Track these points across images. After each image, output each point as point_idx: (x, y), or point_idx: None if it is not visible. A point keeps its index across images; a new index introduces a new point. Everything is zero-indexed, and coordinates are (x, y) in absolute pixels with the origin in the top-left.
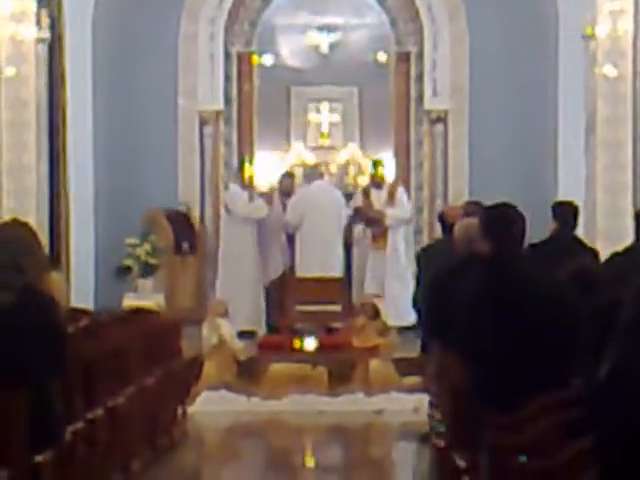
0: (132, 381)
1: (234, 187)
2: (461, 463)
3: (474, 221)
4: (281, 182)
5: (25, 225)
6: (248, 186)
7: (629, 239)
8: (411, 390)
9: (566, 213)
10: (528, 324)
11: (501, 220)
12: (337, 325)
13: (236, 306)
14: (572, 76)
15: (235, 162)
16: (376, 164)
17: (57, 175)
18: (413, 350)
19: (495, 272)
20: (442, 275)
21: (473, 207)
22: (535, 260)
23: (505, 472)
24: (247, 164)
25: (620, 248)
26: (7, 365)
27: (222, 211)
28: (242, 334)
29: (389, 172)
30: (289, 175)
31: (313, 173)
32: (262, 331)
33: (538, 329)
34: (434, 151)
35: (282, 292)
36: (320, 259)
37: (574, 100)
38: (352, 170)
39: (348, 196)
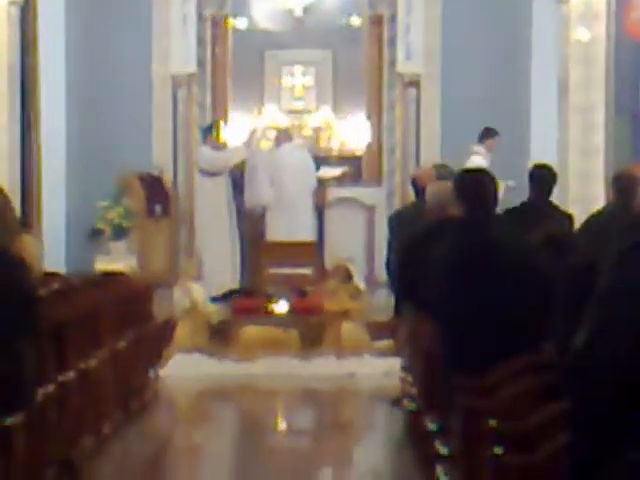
0: (104, 344)
1: (204, 149)
2: (432, 426)
3: (446, 184)
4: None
5: None
6: (220, 146)
7: (601, 202)
8: (383, 354)
9: (542, 177)
10: (499, 288)
11: (474, 184)
12: (309, 288)
13: (213, 267)
14: (545, 39)
15: (210, 127)
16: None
17: (29, 138)
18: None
19: (467, 236)
20: (414, 239)
21: (445, 170)
22: (509, 224)
23: (476, 435)
24: (216, 126)
25: (593, 211)
26: None
27: (198, 176)
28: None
29: (362, 135)
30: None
31: (283, 136)
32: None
33: (509, 293)
34: (407, 115)
35: (255, 255)
36: (290, 223)
37: (547, 63)
38: (324, 134)
39: (321, 159)
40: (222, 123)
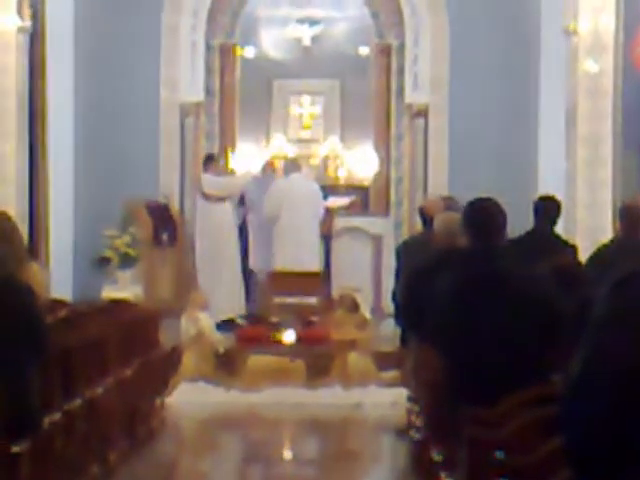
0: (110, 372)
1: (206, 175)
2: (438, 457)
3: (454, 215)
4: (264, 170)
5: (5, 215)
6: (222, 174)
7: (608, 234)
8: (389, 384)
9: (547, 209)
10: (506, 319)
11: (481, 214)
12: (315, 318)
13: (216, 294)
14: (553, 71)
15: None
16: None
17: (37, 165)
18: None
19: (473, 267)
20: (421, 269)
21: (452, 201)
22: (515, 255)
23: (482, 467)
24: (224, 155)
25: (600, 243)
26: None
27: (198, 201)
28: (223, 324)
29: (370, 165)
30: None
31: (291, 166)
32: (241, 320)
33: (516, 324)
34: (414, 145)
35: (261, 283)
36: (297, 253)
37: (555, 95)
38: (332, 163)
39: (328, 188)
40: (229, 152)
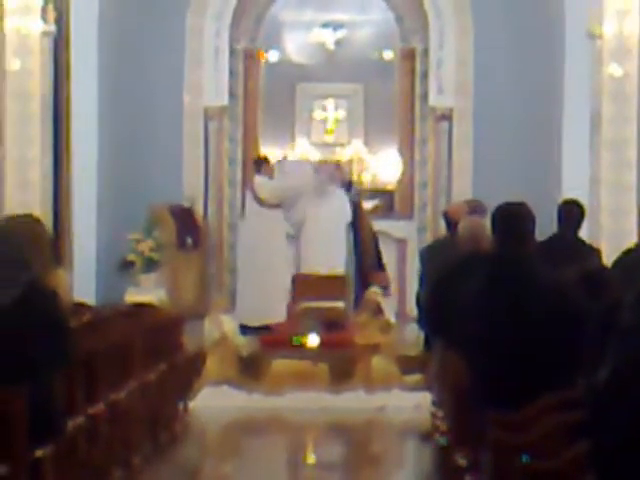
0: (134, 376)
1: (261, 179)
2: (463, 462)
3: (479, 219)
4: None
5: (33, 218)
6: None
7: (633, 238)
8: (413, 388)
9: (572, 213)
10: (531, 323)
11: (508, 218)
12: (340, 321)
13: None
14: (577, 74)
15: (241, 159)
16: None
17: (61, 169)
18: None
19: (499, 271)
20: (446, 273)
21: (477, 205)
22: (540, 260)
23: (507, 472)
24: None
25: (625, 247)
26: (10, 360)
27: (250, 205)
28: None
29: (394, 169)
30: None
31: (312, 168)
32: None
33: (541, 328)
34: (438, 149)
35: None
36: (323, 256)
37: (579, 98)
38: (356, 167)
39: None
40: (268, 157)
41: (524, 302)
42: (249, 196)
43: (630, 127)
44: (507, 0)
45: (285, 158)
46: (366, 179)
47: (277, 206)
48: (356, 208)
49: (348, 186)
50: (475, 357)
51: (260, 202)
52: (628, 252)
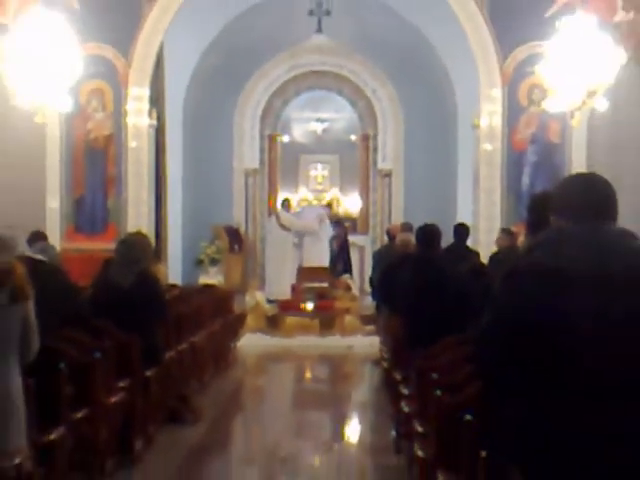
0: (204, 327)
1: (283, 212)
2: (398, 377)
3: (408, 234)
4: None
5: (145, 235)
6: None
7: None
8: (369, 334)
9: (462, 231)
10: (441, 297)
11: (425, 233)
12: (325, 295)
13: (278, 282)
14: (465, 149)
15: (266, 199)
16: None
17: (160, 204)
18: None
19: (421, 266)
20: (388, 266)
21: (407, 225)
22: (444, 259)
23: (426, 384)
24: (287, 200)
25: (492, 252)
26: (138, 318)
27: (276, 225)
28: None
29: (357, 204)
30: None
31: (310, 207)
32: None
33: (447, 299)
34: (383, 193)
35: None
36: (315, 257)
37: (466, 163)
38: (333, 205)
39: (333, 219)
40: (282, 200)
41: (435, 284)
42: (273, 221)
43: (496, 181)
44: (423, 103)
45: (307, 204)
46: (341, 211)
47: (289, 229)
48: (342, 232)
49: (337, 220)
50: (406, 316)
51: (281, 226)
52: (494, 255)
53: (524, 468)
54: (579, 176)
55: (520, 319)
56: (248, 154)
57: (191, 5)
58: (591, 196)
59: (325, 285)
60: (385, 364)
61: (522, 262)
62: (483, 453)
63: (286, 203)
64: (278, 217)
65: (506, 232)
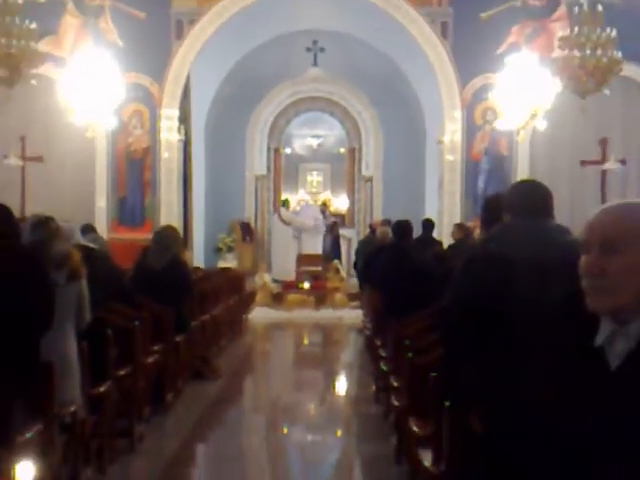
0: (222, 302)
1: (284, 210)
2: (378, 342)
3: (387, 228)
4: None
5: (173, 227)
6: (289, 210)
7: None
8: (354, 308)
9: (428, 225)
10: (411, 277)
11: (400, 227)
12: (319, 276)
13: (281, 266)
14: (432, 160)
15: (272, 200)
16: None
17: (187, 204)
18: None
19: (396, 252)
20: (370, 254)
21: (386, 221)
22: (416, 247)
23: (399, 347)
24: (286, 200)
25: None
26: (165, 294)
27: (278, 220)
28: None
29: (345, 204)
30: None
31: (307, 206)
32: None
33: (416, 279)
34: (366, 195)
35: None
36: (311, 246)
37: (432, 172)
38: (326, 205)
39: (326, 216)
40: (282, 200)
41: (407, 267)
42: (276, 217)
43: (456, 186)
44: (398, 123)
45: (306, 203)
46: (332, 209)
47: (288, 224)
48: (334, 227)
49: (330, 217)
50: (384, 293)
51: (282, 221)
52: (452, 245)
53: (482, 415)
54: (523, 182)
55: (475, 296)
56: (257, 163)
57: (212, 43)
58: (533, 198)
59: (319, 269)
60: (367, 332)
61: (478, 251)
62: (447, 403)
63: (286, 203)
64: (280, 214)
65: (458, 226)
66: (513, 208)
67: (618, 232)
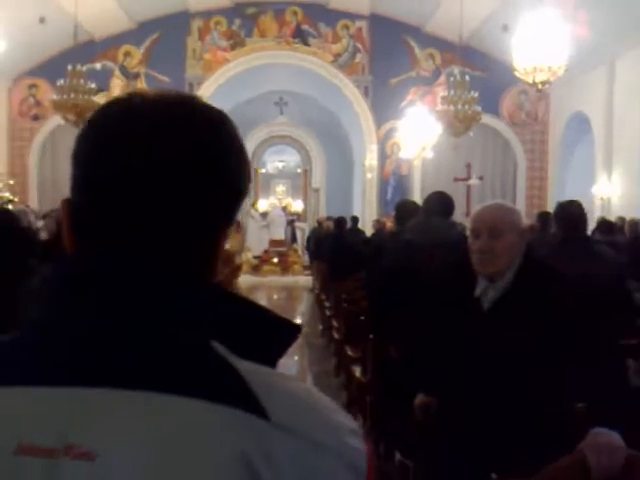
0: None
1: (252, 211)
2: (323, 297)
3: (329, 222)
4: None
5: None
6: (259, 213)
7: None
8: (307, 275)
9: (355, 220)
10: (346, 253)
11: (338, 221)
12: (284, 254)
13: (257, 246)
14: (358, 178)
15: (250, 204)
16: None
17: None
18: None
19: (335, 238)
20: (317, 239)
21: (328, 218)
22: (348, 234)
23: (338, 299)
24: (256, 205)
25: (372, 232)
26: None
27: (251, 219)
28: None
29: (300, 206)
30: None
31: (276, 207)
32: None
33: (350, 255)
34: (316, 200)
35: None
36: (277, 233)
37: (358, 185)
38: (288, 206)
39: (288, 214)
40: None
41: (343, 247)
42: (250, 216)
43: (373, 195)
44: (335, 153)
45: (275, 206)
46: (292, 209)
47: (257, 220)
48: (293, 222)
49: (290, 215)
50: (329, 264)
51: (252, 218)
52: (373, 234)
53: (398, 344)
54: (436, 193)
55: (392, 268)
56: None
57: (213, 98)
58: (441, 203)
59: (284, 249)
60: (316, 290)
61: (394, 239)
62: (371, 335)
63: (254, 205)
64: (252, 214)
65: (376, 221)
66: (428, 210)
67: (501, 223)
